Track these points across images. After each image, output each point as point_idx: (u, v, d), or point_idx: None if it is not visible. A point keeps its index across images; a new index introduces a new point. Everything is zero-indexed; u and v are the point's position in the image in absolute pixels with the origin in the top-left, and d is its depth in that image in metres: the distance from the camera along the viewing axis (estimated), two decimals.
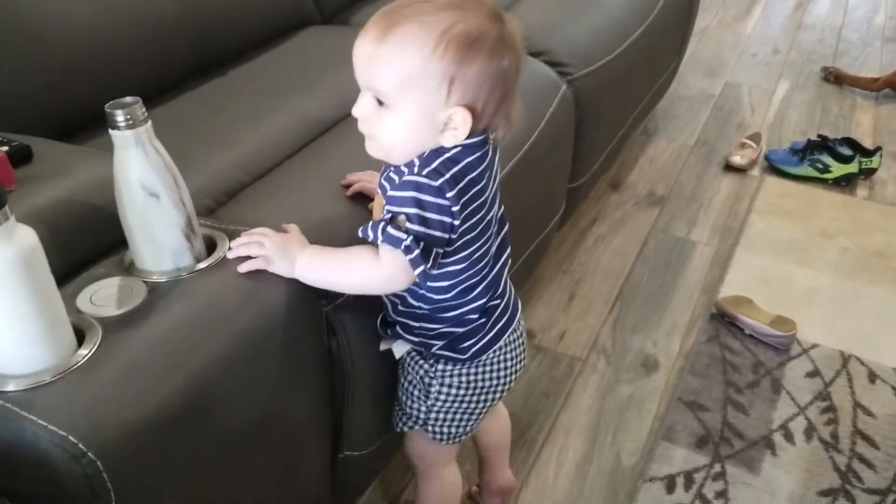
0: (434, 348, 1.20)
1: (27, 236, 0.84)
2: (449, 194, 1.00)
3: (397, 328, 1.20)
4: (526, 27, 2.02)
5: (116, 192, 0.99)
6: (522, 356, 1.29)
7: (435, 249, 1.03)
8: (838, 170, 2.69)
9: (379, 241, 1.02)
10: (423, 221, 1.01)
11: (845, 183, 2.70)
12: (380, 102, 1.01)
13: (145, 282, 1.01)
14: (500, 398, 1.30)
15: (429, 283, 1.12)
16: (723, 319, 2.08)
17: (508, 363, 1.25)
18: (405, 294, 1.15)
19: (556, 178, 1.95)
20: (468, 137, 1.03)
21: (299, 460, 1.21)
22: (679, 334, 2.05)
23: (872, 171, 2.72)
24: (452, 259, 1.09)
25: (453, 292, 1.13)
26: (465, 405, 1.26)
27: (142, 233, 1.01)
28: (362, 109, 1.03)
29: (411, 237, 1.00)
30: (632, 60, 2.18)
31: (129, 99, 0.95)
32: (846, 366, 1.94)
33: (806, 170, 2.71)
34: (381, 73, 0.99)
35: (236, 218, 1.19)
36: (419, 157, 1.04)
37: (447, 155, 1.03)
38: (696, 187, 2.69)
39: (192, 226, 1.04)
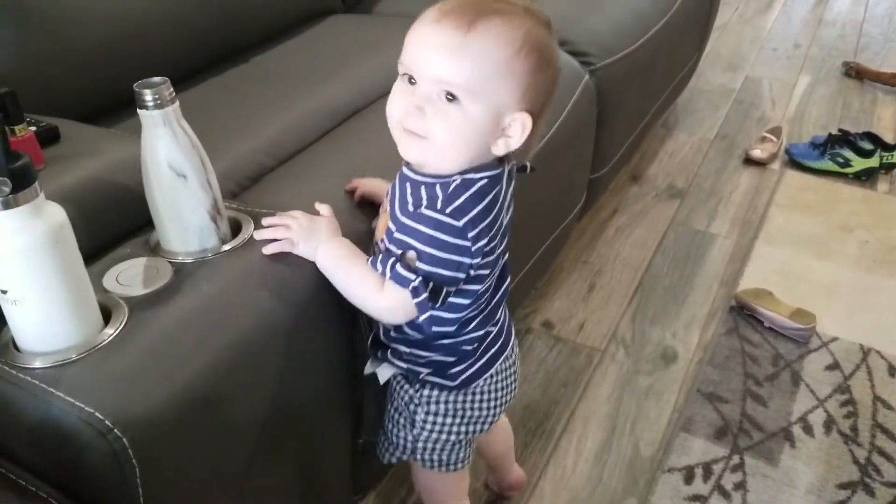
0: (422, 375, 1.14)
1: (56, 213, 0.84)
2: (471, 234, 0.96)
3: (388, 352, 1.14)
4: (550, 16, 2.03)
5: (144, 171, 0.99)
6: (514, 385, 1.24)
7: (445, 289, 0.99)
8: (859, 164, 2.67)
9: (387, 277, 0.99)
10: (437, 262, 0.97)
11: (866, 177, 2.68)
12: (450, 97, 0.94)
13: (171, 262, 1.02)
14: (489, 427, 1.24)
15: (431, 315, 1.06)
16: (742, 312, 2.07)
17: (499, 392, 1.20)
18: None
19: (577, 168, 1.95)
20: (487, 169, 0.99)
21: (320, 444, 1.21)
22: (698, 326, 2.04)
23: (893, 165, 2.70)
24: (461, 292, 1.05)
25: (456, 326, 1.09)
26: (452, 434, 1.20)
27: (168, 213, 1.01)
28: (421, 105, 0.95)
29: (420, 278, 0.96)
30: (653, 52, 2.18)
31: (157, 79, 0.95)
32: (866, 359, 1.93)
33: (826, 164, 2.70)
34: (465, 65, 0.92)
35: (260, 201, 1.19)
36: (443, 189, 0.98)
37: (474, 189, 0.98)
38: (716, 180, 2.68)
39: (218, 207, 1.04)
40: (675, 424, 1.75)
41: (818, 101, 3.25)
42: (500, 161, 1.02)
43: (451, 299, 1.03)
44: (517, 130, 0.97)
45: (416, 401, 1.18)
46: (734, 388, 1.84)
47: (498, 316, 1.17)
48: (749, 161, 2.79)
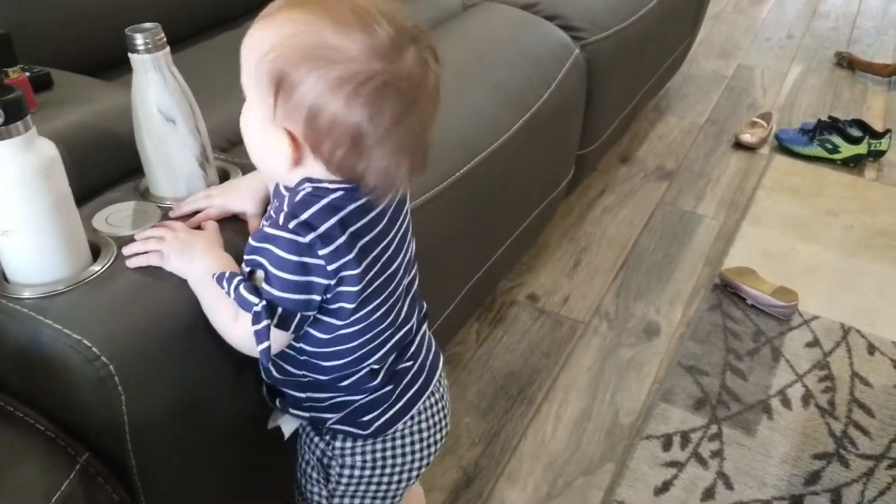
0: (329, 422, 1.02)
1: (48, 148, 0.87)
2: (323, 251, 0.84)
3: (285, 399, 1.03)
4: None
5: (134, 116, 1.01)
6: (442, 424, 1.10)
7: (300, 314, 0.88)
8: (847, 150, 2.70)
9: (231, 299, 0.88)
10: (283, 284, 0.85)
11: (853, 164, 2.71)
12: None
13: (160, 206, 1.04)
14: (417, 477, 1.10)
15: (315, 349, 0.95)
16: (726, 290, 2.10)
17: (424, 434, 1.07)
18: (281, 363, 0.99)
19: (565, 142, 1.97)
20: (344, 181, 0.86)
21: None
22: (682, 303, 2.07)
23: (881, 153, 2.73)
24: (345, 322, 0.92)
25: (347, 359, 0.97)
26: (373, 488, 1.07)
27: (158, 157, 1.03)
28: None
29: (264, 302, 0.85)
30: (645, 30, 2.20)
31: (148, 24, 0.98)
32: (846, 337, 1.96)
33: (815, 150, 2.72)
34: (242, 64, 0.86)
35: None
36: (289, 201, 0.87)
37: (326, 200, 0.85)
38: (705, 163, 2.70)
39: (207, 154, 1.06)
40: (654, 395, 1.78)
41: (809, 89, 3.27)
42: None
43: (340, 332, 0.93)
44: (285, 148, 0.84)
45: (329, 454, 1.06)
46: (714, 362, 1.87)
47: (415, 348, 1.05)
48: (738, 145, 2.81)
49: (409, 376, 1.04)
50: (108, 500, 0.86)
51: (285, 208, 0.86)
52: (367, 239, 0.88)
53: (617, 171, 2.63)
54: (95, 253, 0.95)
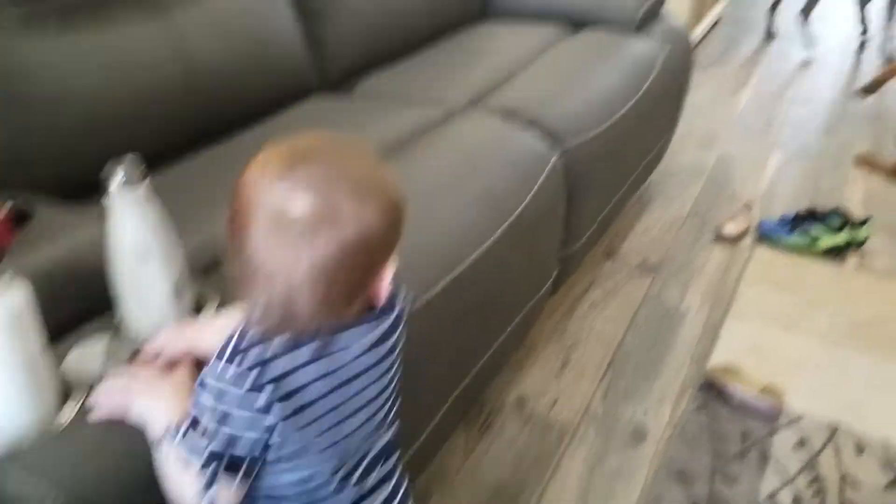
0: None
1: (17, 298, 0.86)
2: (258, 403, 0.83)
3: None
4: (520, 99, 2.07)
5: (107, 251, 1.01)
6: None
7: (249, 458, 0.86)
8: (828, 241, 2.71)
9: (177, 446, 0.87)
10: (228, 421, 0.84)
11: (835, 253, 2.72)
12: None
13: (131, 342, 1.03)
14: None
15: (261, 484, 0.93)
16: (712, 389, 2.09)
17: None
18: None
19: (546, 246, 1.97)
20: (295, 343, 0.85)
21: None
22: (669, 403, 2.05)
23: (862, 242, 2.74)
24: (283, 467, 0.91)
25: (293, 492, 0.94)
26: None
27: (130, 291, 1.03)
28: None
29: (209, 450, 0.84)
30: (623, 131, 2.23)
31: (124, 159, 0.98)
32: (833, 437, 1.94)
33: (796, 240, 2.74)
34: None
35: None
36: (240, 335, 0.85)
37: (275, 341, 0.84)
38: (688, 257, 2.72)
39: (181, 285, 1.06)
40: (644, 503, 1.76)
41: (789, 178, 3.30)
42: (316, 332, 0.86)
43: (282, 477, 0.91)
44: None
45: None
46: (703, 465, 1.85)
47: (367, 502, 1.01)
48: (721, 237, 2.83)
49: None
50: None
51: (234, 341, 0.85)
52: (309, 391, 0.86)
53: (602, 266, 2.64)
54: (67, 393, 0.94)
